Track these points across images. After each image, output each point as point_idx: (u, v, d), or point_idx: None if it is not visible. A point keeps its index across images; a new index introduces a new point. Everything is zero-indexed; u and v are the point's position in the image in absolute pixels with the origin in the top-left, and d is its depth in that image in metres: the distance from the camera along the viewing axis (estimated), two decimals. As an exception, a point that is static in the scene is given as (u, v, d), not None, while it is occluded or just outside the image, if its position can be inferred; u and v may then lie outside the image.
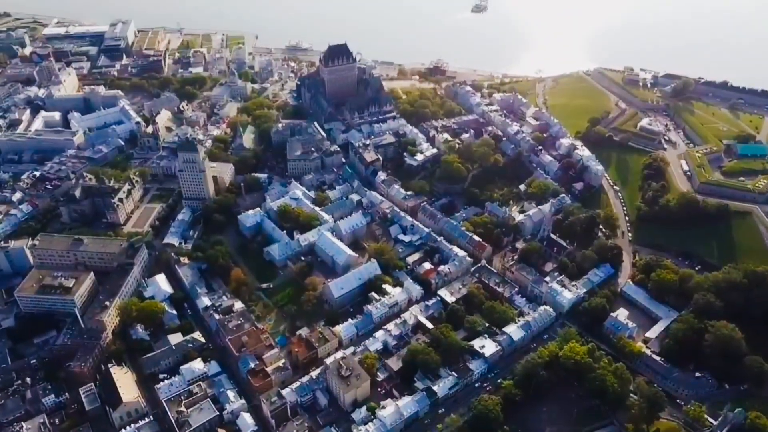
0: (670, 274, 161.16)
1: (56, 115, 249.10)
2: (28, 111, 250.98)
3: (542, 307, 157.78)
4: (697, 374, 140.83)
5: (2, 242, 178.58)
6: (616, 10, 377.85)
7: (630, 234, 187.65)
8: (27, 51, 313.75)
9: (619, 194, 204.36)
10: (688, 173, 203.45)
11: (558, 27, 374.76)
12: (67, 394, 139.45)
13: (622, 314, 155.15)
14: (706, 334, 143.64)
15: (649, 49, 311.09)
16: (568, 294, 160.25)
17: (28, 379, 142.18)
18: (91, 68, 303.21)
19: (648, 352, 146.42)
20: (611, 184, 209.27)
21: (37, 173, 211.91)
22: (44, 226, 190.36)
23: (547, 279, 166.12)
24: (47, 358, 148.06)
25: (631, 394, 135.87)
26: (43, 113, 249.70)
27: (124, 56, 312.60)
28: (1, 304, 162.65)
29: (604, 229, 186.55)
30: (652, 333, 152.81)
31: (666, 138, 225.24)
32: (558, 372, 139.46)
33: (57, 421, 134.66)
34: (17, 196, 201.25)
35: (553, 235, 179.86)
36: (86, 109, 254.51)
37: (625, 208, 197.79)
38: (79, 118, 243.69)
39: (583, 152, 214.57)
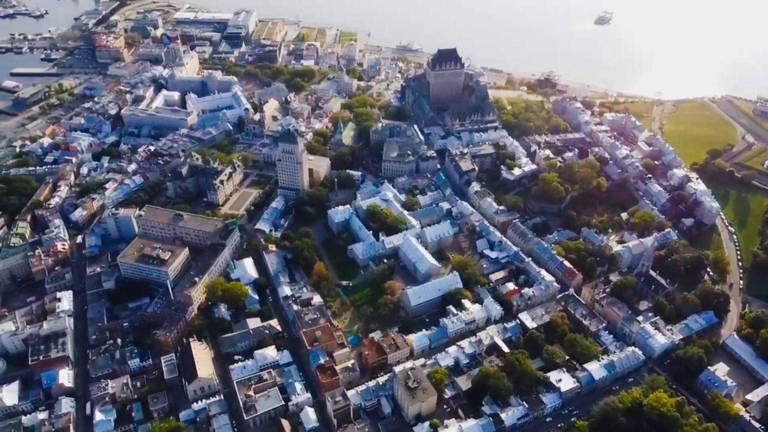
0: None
1: (176, 95, 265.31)
2: (152, 89, 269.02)
3: (630, 348, 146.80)
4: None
5: (114, 209, 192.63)
6: (757, 35, 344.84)
7: (741, 282, 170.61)
8: (158, 33, 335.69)
9: (735, 237, 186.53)
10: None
11: (686, 47, 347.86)
12: (150, 360, 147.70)
13: (721, 369, 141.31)
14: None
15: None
16: (661, 338, 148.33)
17: (119, 340, 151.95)
18: (212, 53, 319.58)
19: (747, 416, 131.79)
20: (726, 224, 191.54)
21: (152, 148, 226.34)
22: (152, 198, 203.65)
23: (640, 318, 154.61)
24: (138, 323, 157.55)
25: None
26: (164, 92, 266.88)
27: (243, 44, 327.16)
28: (105, 267, 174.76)
29: (711, 273, 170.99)
30: (755, 396, 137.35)
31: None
32: (639, 422, 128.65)
33: (138, 384, 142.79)
34: (132, 167, 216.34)
35: (652, 272, 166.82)
36: (203, 92, 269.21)
37: (739, 253, 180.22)
38: (195, 100, 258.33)
39: (698, 186, 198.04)
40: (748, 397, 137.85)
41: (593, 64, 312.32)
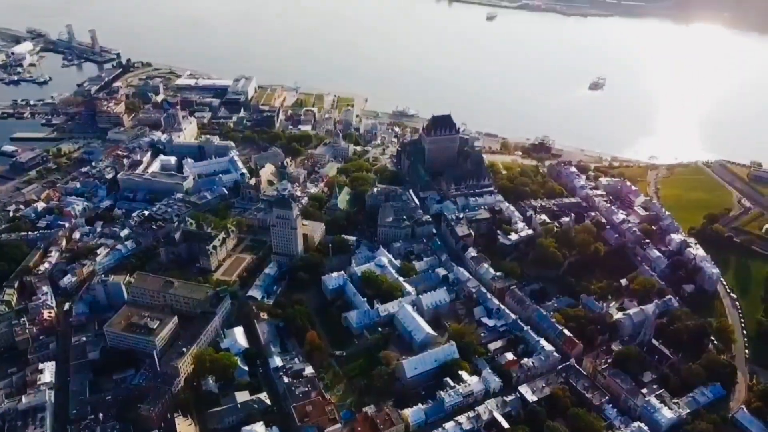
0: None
1: (172, 160, 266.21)
2: (149, 153, 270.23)
3: (636, 424, 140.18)
4: None
5: (104, 275, 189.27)
6: (747, 100, 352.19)
7: (747, 351, 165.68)
8: (159, 98, 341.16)
9: (737, 303, 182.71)
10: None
11: (679, 111, 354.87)
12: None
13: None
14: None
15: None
16: (668, 412, 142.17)
17: (101, 415, 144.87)
18: (212, 118, 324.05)
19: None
20: (728, 290, 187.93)
21: (146, 213, 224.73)
22: (143, 263, 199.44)
23: (644, 391, 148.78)
24: (121, 396, 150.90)
25: None
26: (161, 157, 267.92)
27: (242, 109, 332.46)
28: (92, 336, 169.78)
29: (716, 342, 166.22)
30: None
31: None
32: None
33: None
34: (125, 232, 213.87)
35: (654, 341, 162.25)
36: (200, 156, 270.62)
37: (743, 321, 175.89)
38: (192, 165, 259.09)
39: (697, 251, 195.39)
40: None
41: (587, 129, 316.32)
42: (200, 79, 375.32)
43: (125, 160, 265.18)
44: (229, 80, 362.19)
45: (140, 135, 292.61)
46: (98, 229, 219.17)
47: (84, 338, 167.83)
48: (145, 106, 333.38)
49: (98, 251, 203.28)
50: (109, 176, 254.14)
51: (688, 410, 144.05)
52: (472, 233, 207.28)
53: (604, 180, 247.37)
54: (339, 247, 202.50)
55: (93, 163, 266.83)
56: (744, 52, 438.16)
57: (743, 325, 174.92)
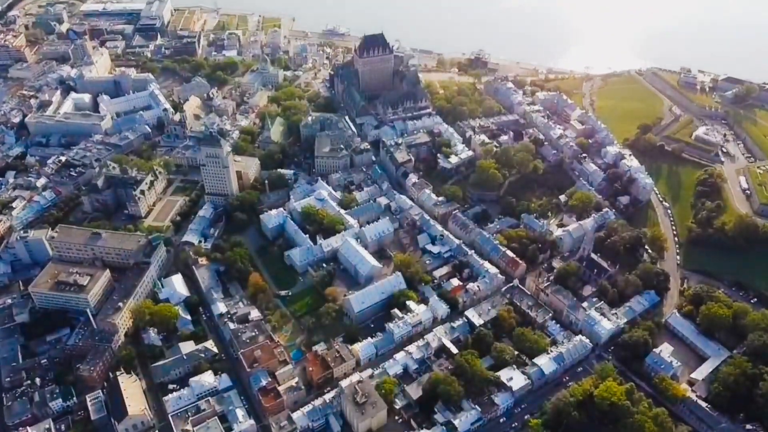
0: (722, 309, 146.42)
1: (86, 98, 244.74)
2: (58, 92, 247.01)
3: (577, 337, 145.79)
4: (748, 426, 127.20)
5: (23, 231, 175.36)
6: (677, 6, 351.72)
7: (678, 257, 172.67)
8: (64, 27, 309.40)
9: (669, 212, 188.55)
10: (748, 192, 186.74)
11: (612, 19, 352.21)
12: (74, 399, 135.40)
13: (665, 350, 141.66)
14: (760, 381, 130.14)
15: (710, 49, 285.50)
16: (607, 324, 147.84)
17: (37, 380, 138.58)
18: (126, 48, 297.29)
19: (693, 396, 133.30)
20: (660, 199, 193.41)
21: (63, 158, 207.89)
22: (66, 214, 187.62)
23: (585, 305, 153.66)
24: (58, 358, 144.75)
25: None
26: (73, 95, 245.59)
27: (159, 36, 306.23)
28: (17, 297, 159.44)
29: (650, 251, 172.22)
30: (699, 374, 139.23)
31: (724, 150, 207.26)
32: (592, 413, 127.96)
33: (63, 427, 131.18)
34: (41, 181, 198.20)
35: (593, 255, 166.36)
36: (116, 92, 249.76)
37: (674, 228, 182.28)
38: (108, 102, 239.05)
39: (632, 162, 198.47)
40: (693, 375, 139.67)
41: (522, 40, 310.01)
42: (108, 3, 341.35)
43: (32, 101, 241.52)
44: (142, 3, 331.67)
45: (47, 71, 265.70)
46: (10, 181, 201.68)
47: (9, 300, 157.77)
48: (49, 37, 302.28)
49: (13, 204, 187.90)
50: (16, 120, 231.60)
51: (625, 320, 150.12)
52: (412, 158, 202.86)
53: (540, 95, 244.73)
54: (276, 183, 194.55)
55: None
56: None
57: (675, 232, 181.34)
